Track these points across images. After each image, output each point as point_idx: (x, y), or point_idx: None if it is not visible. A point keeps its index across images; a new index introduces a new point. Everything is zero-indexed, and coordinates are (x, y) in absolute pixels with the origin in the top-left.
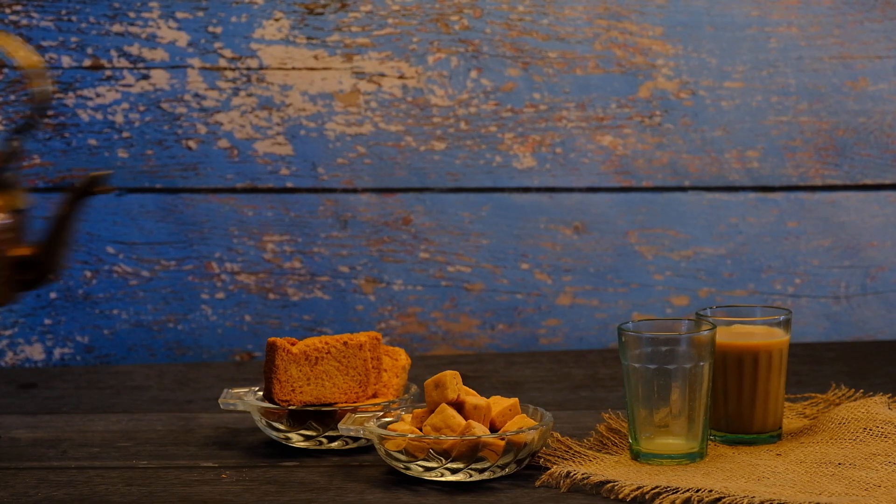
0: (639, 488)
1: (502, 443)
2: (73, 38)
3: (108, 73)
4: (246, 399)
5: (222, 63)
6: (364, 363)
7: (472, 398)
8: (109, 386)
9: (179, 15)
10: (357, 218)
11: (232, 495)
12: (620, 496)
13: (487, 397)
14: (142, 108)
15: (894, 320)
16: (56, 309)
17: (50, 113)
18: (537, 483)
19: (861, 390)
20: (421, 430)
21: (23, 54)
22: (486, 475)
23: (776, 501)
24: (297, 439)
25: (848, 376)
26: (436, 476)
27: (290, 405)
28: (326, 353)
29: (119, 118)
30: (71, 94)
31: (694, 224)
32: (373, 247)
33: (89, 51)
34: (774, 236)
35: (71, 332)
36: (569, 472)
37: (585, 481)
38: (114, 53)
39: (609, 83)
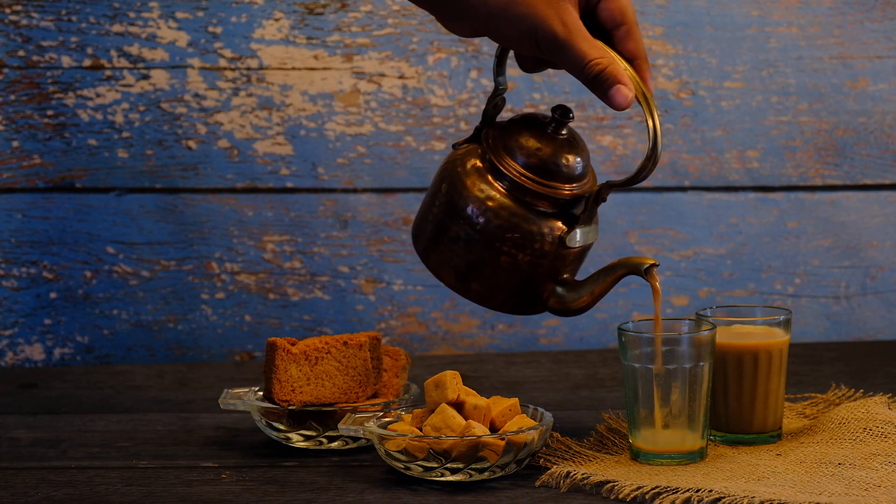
0: (639, 488)
1: (502, 443)
2: (73, 38)
3: (108, 73)
4: (246, 399)
5: (222, 63)
6: (364, 363)
7: (472, 398)
8: (109, 386)
9: (179, 15)
10: (357, 218)
11: (232, 495)
12: (620, 496)
13: (487, 397)
14: (142, 108)
15: (894, 320)
16: (56, 309)
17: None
18: (537, 483)
19: (861, 390)
20: (421, 430)
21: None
22: (486, 475)
23: (776, 501)
24: (297, 439)
25: (848, 376)
26: (436, 476)
27: (290, 405)
28: (326, 353)
29: (119, 118)
30: (71, 94)
31: (694, 224)
32: (373, 247)
33: (89, 51)
34: (774, 236)
35: (71, 332)
36: (569, 472)
37: (585, 481)
38: (114, 53)
39: None
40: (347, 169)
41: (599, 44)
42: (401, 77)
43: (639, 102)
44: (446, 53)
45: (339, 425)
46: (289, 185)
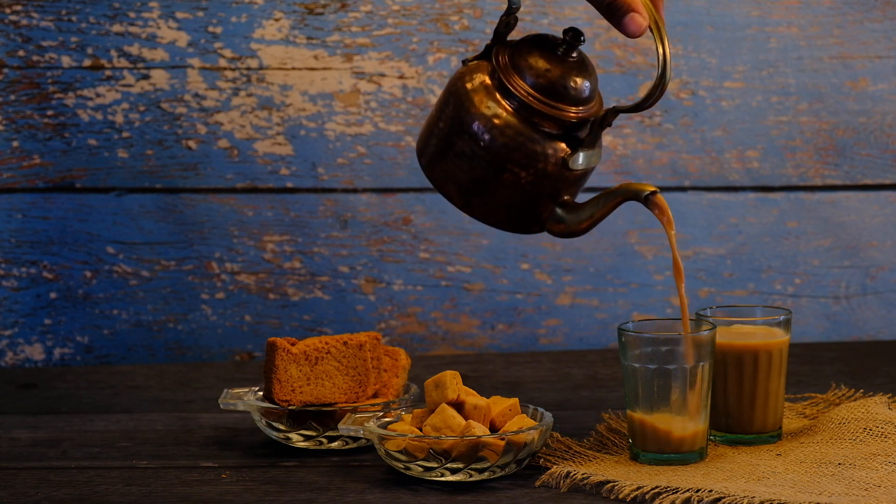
0: (639, 488)
1: (502, 443)
2: (73, 38)
3: (108, 73)
4: (246, 399)
5: (222, 63)
6: (364, 363)
7: (472, 398)
8: (109, 386)
9: (179, 15)
10: (357, 218)
11: (232, 495)
12: (620, 496)
13: (487, 397)
14: (142, 108)
15: (894, 320)
16: (56, 309)
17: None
18: (537, 483)
19: (861, 390)
20: (421, 430)
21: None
22: (486, 475)
23: (776, 501)
24: (297, 439)
25: (848, 376)
26: (436, 476)
27: (290, 405)
28: (326, 353)
29: (119, 118)
30: (71, 94)
31: (694, 224)
32: (373, 247)
33: (89, 51)
34: (774, 236)
35: (71, 332)
36: (569, 472)
37: (585, 481)
38: (114, 53)
39: (609, 83)
40: (347, 169)
41: None
42: (401, 77)
43: (651, 30)
44: (446, 53)
45: (339, 425)
46: (289, 185)
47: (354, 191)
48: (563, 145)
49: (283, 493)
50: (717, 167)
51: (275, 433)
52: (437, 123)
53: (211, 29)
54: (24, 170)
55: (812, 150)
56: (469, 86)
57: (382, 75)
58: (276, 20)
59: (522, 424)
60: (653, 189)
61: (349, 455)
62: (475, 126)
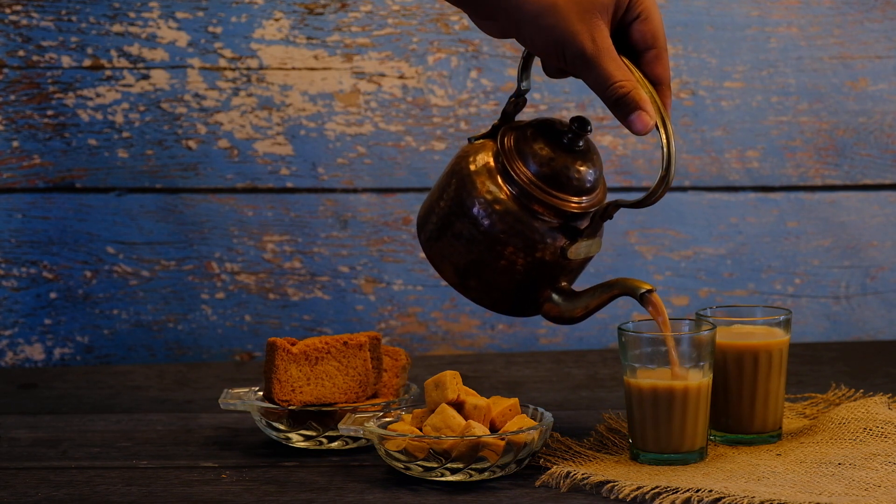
0: (639, 488)
1: (502, 443)
2: (73, 38)
3: (108, 73)
4: (246, 399)
5: (222, 63)
6: (364, 363)
7: (472, 398)
8: (109, 386)
9: (179, 15)
10: (357, 218)
11: (232, 495)
12: (620, 496)
13: (487, 397)
14: (142, 108)
15: (894, 320)
16: (56, 309)
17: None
18: (537, 483)
19: (861, 390)
20: (421, 430)
21: None
22: (486, 475)
23: (776, 501)
24: (297, 439)
25: (848, 376)
26: (436, 476)
27: (290, 405)
28: (326, 353)
29: (119, 118)
30: (71, 94)
31: (694, 224)
32: (373, 247)
33: (89, 51)
34: (774, 236)
35: (71, 332)
36: (569, 472)
37: (585, 481)
38: (114, 53)
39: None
40: (347, 169)
41: (625, 65)
42: (401, 77)
43: (657, 127)
44: (446, 53)
45: (339, 425)
46: (289, 185)
47: (354, 191)
48: (563, 235)
49: (283, 493)
50: (717, 167)
51: (275, 433)
52: (437, 202)
53: (211, 29)
54: (24, 170)
55: (812, 150)
56: (472, 167)
57: (382, 75)
58: (276, 20)
59: (522, 424)
60: (649, 287)
61: (349, 455)
62: (475, 210)
